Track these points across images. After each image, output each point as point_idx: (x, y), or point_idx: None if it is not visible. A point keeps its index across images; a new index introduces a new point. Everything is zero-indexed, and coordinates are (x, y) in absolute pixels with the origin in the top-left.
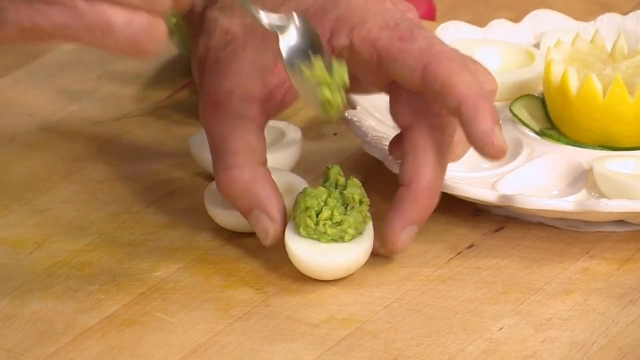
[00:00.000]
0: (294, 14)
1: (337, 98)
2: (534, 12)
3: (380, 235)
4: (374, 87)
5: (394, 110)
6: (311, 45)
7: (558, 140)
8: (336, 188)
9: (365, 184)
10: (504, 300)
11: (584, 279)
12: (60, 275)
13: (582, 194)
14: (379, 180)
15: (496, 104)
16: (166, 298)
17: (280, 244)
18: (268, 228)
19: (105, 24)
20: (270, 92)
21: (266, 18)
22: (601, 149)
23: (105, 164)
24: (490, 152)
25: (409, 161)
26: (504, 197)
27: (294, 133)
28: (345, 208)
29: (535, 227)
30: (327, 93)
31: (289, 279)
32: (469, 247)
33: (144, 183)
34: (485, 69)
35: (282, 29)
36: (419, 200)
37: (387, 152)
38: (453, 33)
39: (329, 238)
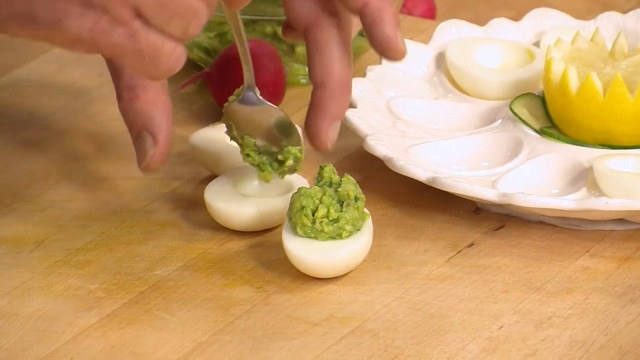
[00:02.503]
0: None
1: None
2: (534, 10)
3: (309, 139)
4: None
5: (292, 8)
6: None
7: (558, 138)
8: (331, 186)
9: (365, 183)
10: (504, 298)
11: (584, 277)
12: (60, 273)
13: (582, 193)
14: (379, 179)
15: (497, 102)
16: (166, 297)
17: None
18: (149, 149)
19: (155, 52)
20: None
21: None
22: (601, 148)
23: (105, 163)
24: (393, 55)
25: (316, 61)
26: (504, 195)
27: None
28: (341, 205)
29: (535, 225)
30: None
31: (289, 278)
32: (469, 246)
33: (144, 182)
34: None
35: None
36: (336, 96)
37: (387, 152)
38: (453, 32)
39: (327, 236)
